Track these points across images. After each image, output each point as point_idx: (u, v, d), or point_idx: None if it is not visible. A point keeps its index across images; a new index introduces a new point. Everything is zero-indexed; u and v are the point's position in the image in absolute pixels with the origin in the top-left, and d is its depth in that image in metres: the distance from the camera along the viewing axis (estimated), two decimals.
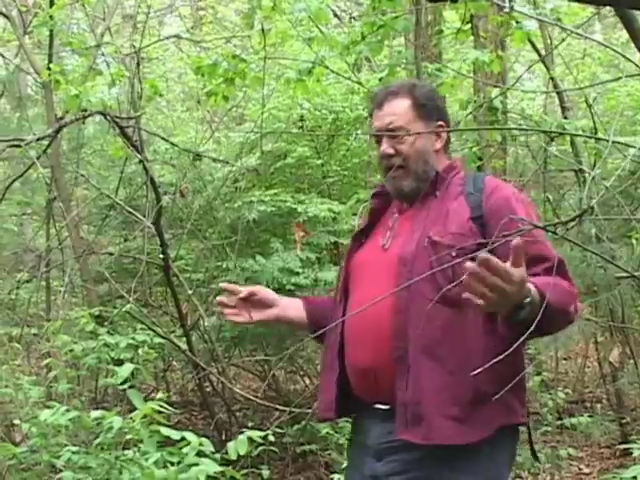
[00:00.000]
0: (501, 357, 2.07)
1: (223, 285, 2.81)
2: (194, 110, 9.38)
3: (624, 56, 2.15)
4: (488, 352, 2.40)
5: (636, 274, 2.17)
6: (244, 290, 2.78)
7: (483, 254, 2.10)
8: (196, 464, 2.74)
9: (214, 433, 6.15)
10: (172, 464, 2.79)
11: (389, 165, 2.68)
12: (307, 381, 7.34)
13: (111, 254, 6.23)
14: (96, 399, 6.07)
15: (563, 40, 5.55)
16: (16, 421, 4.38)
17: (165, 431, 2.88)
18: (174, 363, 7.35)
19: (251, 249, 6.66)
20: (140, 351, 3.83)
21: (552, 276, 2.37)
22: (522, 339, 2.15)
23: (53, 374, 4.61)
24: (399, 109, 2.69)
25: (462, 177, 2.72)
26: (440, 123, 2.73)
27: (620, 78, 4.07)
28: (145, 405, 2.92)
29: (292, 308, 2.89)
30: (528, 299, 2.24)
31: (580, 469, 5.98)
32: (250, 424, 5.15)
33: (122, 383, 3.39)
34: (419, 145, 2.68)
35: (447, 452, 2.47)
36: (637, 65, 1.96)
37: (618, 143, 2.86)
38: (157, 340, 5.64)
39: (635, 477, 2.64)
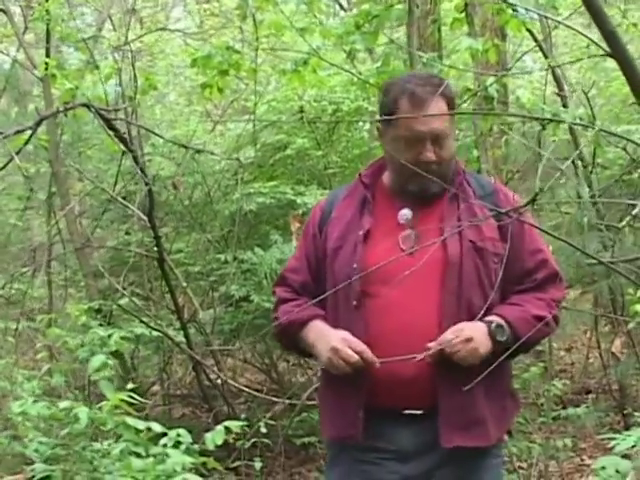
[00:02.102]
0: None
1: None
2: (197, 103, 9.37)
3: (596, 43, 2.11)
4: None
5: (603, 260, 2.14)
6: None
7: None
8: (166, 455, 2.74)
9: (215, 426, 6.15)
10: (138, 455, 2.79)
11: (427, 170, 2.48)
12: (310, 373, 7.32)
13: (104, 247, 6.22)
14: (94, 392, 6.07)
15: (556, 27, 5.50)
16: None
17: (131, 421, 2.87)
18: (177, 357, 7.36)
19: (250, 241, 6.65)
20: (112, 341, 3.80)
21: (552, 282, 2.60)
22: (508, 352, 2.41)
23: (46, 368, 4.61)
24: (441, 112, 2.56)
25: (461, 175, 2.68)
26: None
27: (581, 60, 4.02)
28: (116, 396, 2.93)
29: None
30: (494, 323, 2.51)
31: (582, 460, 5.94)
32: (246, 416, 5.12)
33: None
34: (452, 150, 2.63)
35: (479, 450, 2.57)
36: (600, 46, 1.93)
37: (604, 132, 2.82)
38: (156, 334, 5.66)
39: (604, 467, 2.65)
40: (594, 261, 2.11)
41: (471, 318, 2.47)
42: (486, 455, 2.61)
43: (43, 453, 2.97)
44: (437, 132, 2.55)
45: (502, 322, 2.51)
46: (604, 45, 1.97)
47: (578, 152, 4.75)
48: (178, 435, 2.89)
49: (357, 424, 2.55)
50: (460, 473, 2.58)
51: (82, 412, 2.86)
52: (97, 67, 5.87)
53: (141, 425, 2.85)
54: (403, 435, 2.58)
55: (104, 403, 2.93)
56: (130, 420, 2.87)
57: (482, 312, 2.41)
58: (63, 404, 3.00)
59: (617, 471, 2.57)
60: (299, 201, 6.25)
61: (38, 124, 3.76)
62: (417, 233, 2.58)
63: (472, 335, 2.46)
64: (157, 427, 2.85)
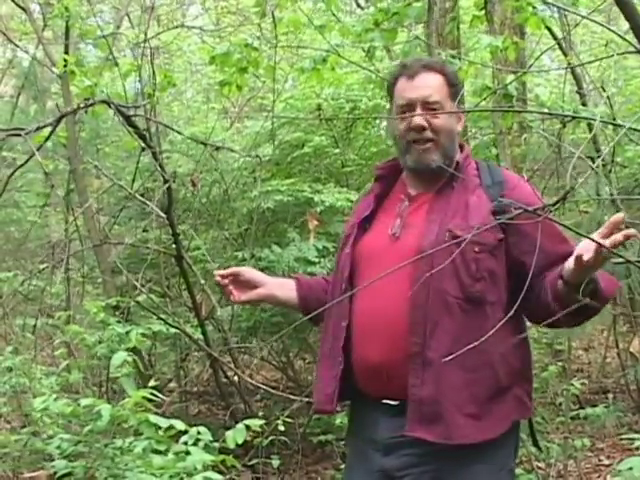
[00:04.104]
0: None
1: (217, 279, 2.80)
2: (215, 101, 9.38)
3: (623, 37, 2.09)
4: (506, 348, 2.41)
5: (632, 259, 2.12)
6: (226, 272, 2.78)
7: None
8: (187, 452, 2.74)
9: (232, 423, 6.16)
10: (160, 453, 2.79)
11: (418, 138, 2.60)
12: None
13: (122, 244, 6.23)
14: (113, 389, 6.09)
15: (577, 24, 5.48)
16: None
17: (153, 418, 2.87)
18: (194, 354, 7.37)
19: (268, 239, 6.65)
20: (133, 338, 3.81)
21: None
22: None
23: (64, 364, 4.62)
24: (435, 83, 2.64)
25: (475, 166, 2.67)
26: (462, 106, 2.74)
27: (612, 56, 4.00)
28: (138, 393, 2.92)
29: (280, 288, 2.86)
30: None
31: (600, 460, 5.91)
32: (263, 414, 5.12)
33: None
34: (450, 122, 2.64)
35: (457, 447, 2.45)
36: (631, 43, 1.91)
37: (635, 130, 2.78)
38: (173, 330, 5.66)
39: (631, 468, 2.60)
40: (620, 260, 2.06)
41: (444, 307, 2.43)
42: (471, 458, 2.48)
43: (65, 450, 2.98)
44: (427, 98, 2.61)
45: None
46: (632, 40, 1.95)
47: (608, 150, 4.71)
48: (198, 433, 2.89)
49: (332, 401, 2.61)
50: (438, 474, 2.48)
51: (105, 409, 2.87)
52: (116, 64, 5.88)
53: (164, 423, 2.85)
54: (383, 426, 2.56)
55: (126, 400, 2.93)
56: (152, 417, 2.87)
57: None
58: (85, 401, 3.00)
59: None
60: (316, 199, 6.24)
61: (58, 121, 3.76)
62: (405, 222, 2.61)
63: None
64: (180, 425, 2.85)
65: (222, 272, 2.78)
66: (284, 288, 2.87)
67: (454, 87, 2.66)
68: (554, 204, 2.01)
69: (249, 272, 2.85)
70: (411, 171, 2.69)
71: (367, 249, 2.65)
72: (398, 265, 2.29)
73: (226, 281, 2.77)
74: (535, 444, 2.93)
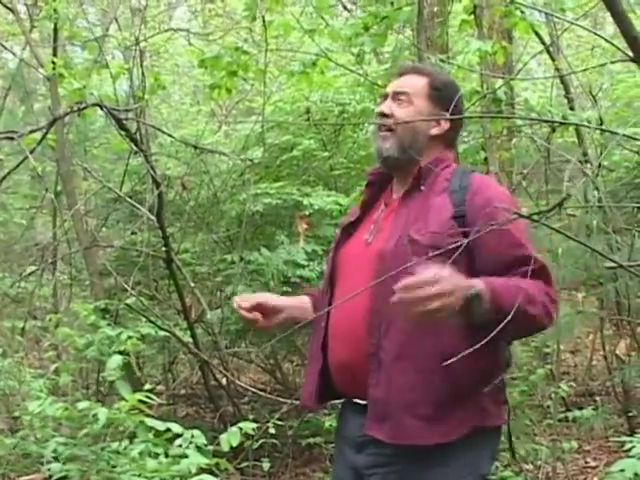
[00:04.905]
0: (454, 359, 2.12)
1: (243, 313, 2.74)
2: (203, 103, 9.38)
3: (611, 43, 2.12)
4: (463, 351, 2.39)
5: (624, 264, 2.14)
6: (247, 304, 2.73)
7: (399, 284, 2.19)
8: (185, 456, 2.74)
9: (220, 426, 6.16)
10: (158, 455, 2.80)
11: (380, 125, 2.70)
12: None
13: (112, 246, 6.22)
14: (101, 392, 6.08)
15: (565, 29, 5.52)
16: (17, 413, 4.39)
17: (150, 422, 2.88)
18: (182, 356, 7.37)
19: (257, 242, 6.65)
20: (128, 342, 3.81)
21: (541, 276, 2.41)
22: (470, 346, 2.12)
23: (54, 367, 4.62)
24: (415, 82, 2.73)
25: (451, 172, 2.67)
26: (444, 113, 2.69)
27: (605, 64, 4.03)
28: (133, 396, 2.93)
29: (297, 309, 2.88)
30: (474, 289, 2.28)
31: (587, 462, 5.94)
32: (253, 417, 5.13)
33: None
34: (414, 117, 2.67)
35: (419, 450, 2.47)
36: (622, 51, 1.93)
37: (630, 137, 2.82)
38: (162, 333, 5.66)
39: (623, 470, 2.62)
40: (612, 264, 2.08)
41: (399, 310, 2.37)
42: (434, 460, 2.49)
43: (61, 453, 2.98)
44: (396, 90, 2.72)
45: (483, 289, 2.31)
46: (620, 45, 1.98)
47: (603, 155, 4.74)
48: (192, 436, 2.90)
49: (312, 397, 2.71)
50: (402, 475, 2.51)
51: (101, 412, 2.87)
52: (106, 66, 5.88)
53: (160, 426, 2.85)
54: (352, 424, 2.64)
55: (122, 404, 2.93)
56: (149, 421, 2.88)
57: None
58: (82, 404, 3.00)
59: (636, 474, 2.55)
60: (305, 202, 6.25)
61: (51, 124, 3.76)
62: (378, 227, 2.67)
63: (452, 289, 2.24)
64: (176, 428, 2.86)
65: (246, 305, 2.73)
66: (301, 308, 2.89)
67: (437, 90, 2.71)
68: (550, 210, 2.03)
69: (269, 300, 2.81)
70: (380, 164, 2.77)
71: (346, 254, 2.74)
72: (365, 270, 2.51)
73: (251, 316, 2.73)
74: (511, 450, 2.97)
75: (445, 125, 2.72)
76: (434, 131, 2.71)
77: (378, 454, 2.54)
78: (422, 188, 2.63)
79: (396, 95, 2.71)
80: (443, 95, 2.70)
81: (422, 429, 2.46)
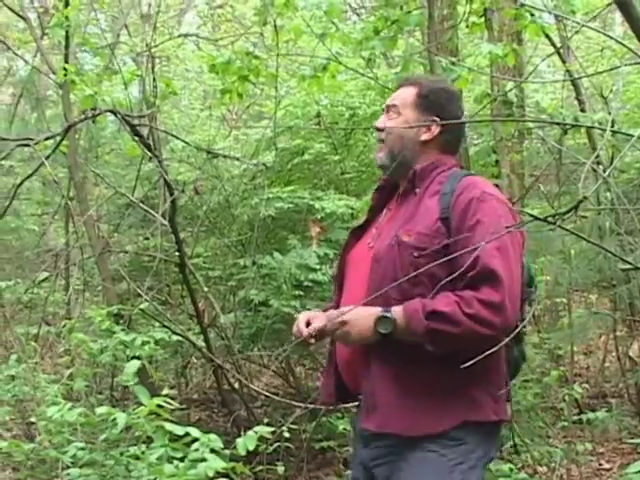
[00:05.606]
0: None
1: (309, 341, 2.75)
2: (214, 108, 9.39)
3: (624, 45, 2.12)
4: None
5: (639, 266, 2.14)
6: (314, 331, 2.72)
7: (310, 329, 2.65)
8: (203, 459, 2.76)
9: (233, 430, 6.16)
10: (177, 460, 2.81)
11: (377, 138, 2.86)
12: None
13: (126, 252, 6.24)
14: (114, 397, 6.10)
15: (577, 32, 5.52)
16: (32, 419, 4.40)
17: (169, 426, 2.90)
18: (194, 360, 7.38)
19: (269, 246, 6.67)
20: (147, 347, 3.83)
21: (484, 281, 2.46)
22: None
23: (69, 372, 4.63)
24: (404, 94, 2.84)
25: (447, 175, 2.74)
26: (434, 118, 2.76)
27: (619, 67, 4.03)
28: (152, 401, 2.94)
29: None
30: (381, 314, 2.53)
31: (600, 464, 5.92)
32: (266, 420, 5.13)
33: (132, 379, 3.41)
34: (399, 126, 2.77)
35: (413, 440, 2.56)
36: (633, 52, 1.93)
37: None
38: (175, 338, 5.67)
39: (638, 472, 2.62)
40: (627, 266, 2.08)
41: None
42: (413, 447, 2.56)
43: (81, 458, 2.99)
44: (388, 103, 2.86)
45: (389, 314, 2.53)
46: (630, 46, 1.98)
47: (618, 159, 4.73)
48: (209, 440, 2.91)
49: (331, 392, 2.83)
50: (399, 464, 2.59)
51: (120, 417, 2.88)
52: (116, 72, 5.90)
53: (179, 430, 2.87)
54: (358, 419, 2.75)
55: (140, 409, 2.95)
56: (168, 425, 2.90)
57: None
58: (100, 409, 3.02)
59: None
60: (317, 206, 6.26)
61: (67, 131, 3.79)
62: (380, 231, 2.77)
63: (348, 319, 2.55)
64: (196, 433, 2.87)
65: (310, 332, 2.71)
66: None
67: (424, 98, 2.80)
68: (567, 212, 2.04)
69: (320, 320, 2.76)
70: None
71: (352, 258, 2.87)
72: (365, 272, 2.66)
73: (313, 340, 2.75)
74: (514, 448, 3.03)
75: (435, 130, 2.79)
76: (424, 137, 2.79)
77: (380, 446, 2.63)
78: (417, 191, 2.72)
79: (388, 108, 2.85)
80: (431, 101, 2.80)
81: (406, 419, 2.56)
